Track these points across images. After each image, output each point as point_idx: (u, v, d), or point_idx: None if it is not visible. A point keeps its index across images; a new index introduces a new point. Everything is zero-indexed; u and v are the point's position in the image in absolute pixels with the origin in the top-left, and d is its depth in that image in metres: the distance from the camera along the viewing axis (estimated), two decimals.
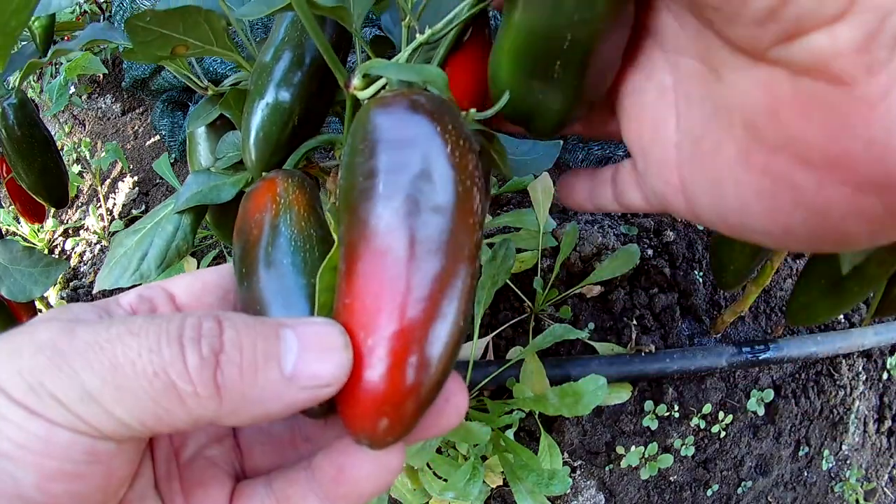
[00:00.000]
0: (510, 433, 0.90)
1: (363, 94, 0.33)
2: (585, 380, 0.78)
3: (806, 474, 1.10)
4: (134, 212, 1.36)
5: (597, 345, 0.95)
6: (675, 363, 0.92)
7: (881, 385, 1.14)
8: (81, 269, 1.32)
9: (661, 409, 0.95)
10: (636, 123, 0.30)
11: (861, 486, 1.14)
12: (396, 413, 0.22)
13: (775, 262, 0.75)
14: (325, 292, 0.27)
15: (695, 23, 0.24)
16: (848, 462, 1.13)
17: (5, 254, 0.70)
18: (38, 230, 1.41)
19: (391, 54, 0.48)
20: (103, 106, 1.60)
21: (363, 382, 0.22)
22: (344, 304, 0.24)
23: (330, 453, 0.27)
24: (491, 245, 0.90)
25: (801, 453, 1.07)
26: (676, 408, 0.96)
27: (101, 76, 1.62)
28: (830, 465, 1.11)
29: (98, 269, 1.27)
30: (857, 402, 1.09)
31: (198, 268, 1.10)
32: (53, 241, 1.42)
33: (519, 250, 0.96)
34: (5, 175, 0.96)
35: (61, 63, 1.50)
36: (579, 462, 0.96)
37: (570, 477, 0.95)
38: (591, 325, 0.97)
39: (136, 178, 1.43)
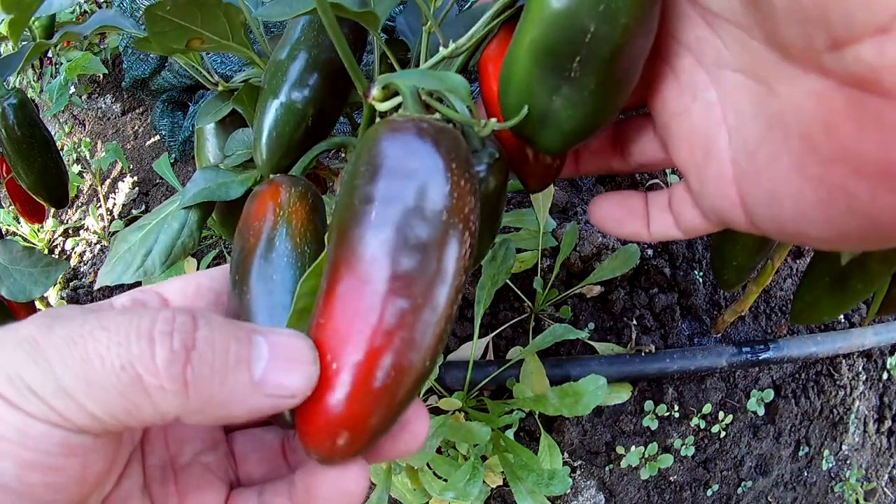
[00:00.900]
0: (510, 433, 0.90)
1: (382, 107, 0.32)
2: (585, 380, 0.78)
3: (806, 474, 1.10)
4: (134, 212, 1.36)
5: (597, 345, 0.95)
6: (675, 363, 0.92)
7: (881, 385, 1.14)
8: (81, 269, 1.32)
9: (661, 409, 0.95)
10: (686, 144, 0.30)
11: (861, 486, 1.14)
12: (348, 436, 0.23)
13: (776, 261, 0.75)
14: (305, 297, 0.27)
15: (737, 33, 0.25)
16: (848, 462, 1.13)
17: (5, 254, 0.70)
18: (38, 230, 1.41)
19: (405, 57, 0.48)
20: (103, 106, 1.60)
21: (322, 403, 0.23)
22: (318, 322, 0.24)
23: (303, 471, 0.27)
24: (491, 245, 0.90)
25: (801, 453, 1.07)
26: (676, 408, 0.96)
27: (101, 76, 1.61)
28: (830, 465, 1.11)
29: (98, 269, 1.27)
30: (857, 402, 1.09)
31: (198, 268, 1.10)
32: (53, 241, 1.42)
33: (519, 250, 0.96)
34: (5, 175, 0.96)
35: (61, 63, 1.50)
36: (579, 462, 0.96)
37: (570, 477, 0.95)
38: (591, 325, 0.97)
39: (136, 178, 1.43)
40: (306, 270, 0.29)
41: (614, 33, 0.26)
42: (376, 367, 0.23)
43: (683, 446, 0.98)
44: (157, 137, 1.47)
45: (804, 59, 0.21)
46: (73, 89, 1.58)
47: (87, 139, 1.53)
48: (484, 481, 0.83)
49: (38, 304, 1.08)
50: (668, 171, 1.23)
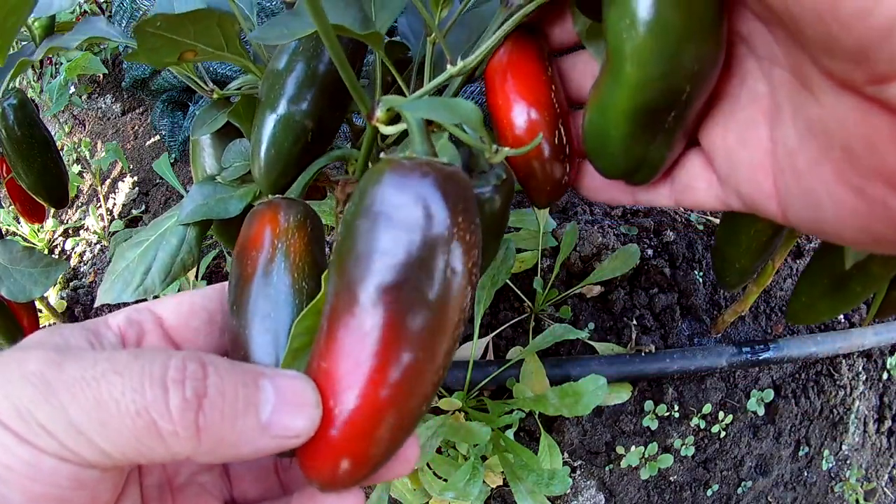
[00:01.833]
0: (510, 433, 0.90)
1: (387, 130, 0.32)
2: (585, 380, 0.78)
3: (806, 474, 1.10)
4: (134, 212, 1.36)
5: (597, 345, 0.95)
6: (675, 363, 0.92)
7: (881, 385, 1.13)
8: (81, 270, 1.32)
9: (661, 409, 0.95)
10: (722, 127, 0.31)
11: (861, 486, 1.14)
12: (350, 468, 0.25)
13: (776, 261, 0.75)
14: (301, 336, 0.28)
15: (788, 37, 0.25)
16: (848, 462, 1.13)
17: (5, 254, 0.70)
18: (38, 230, 1.41)
19: (405, 57, 0.47)
20: (103, 106, 1.60)
21: (323, 440, 0.25)
22: (320, 365, 0.25)
23: (300, 495, 0.29)
24: None
25: (801, 453, 1.07)
26: (676, 408, 0.96)
27: (101, 76, 1.61)
28: (830, 465, 1.11)
29: (98, 268, 1.27)
30: (857, 402, 1.09)
31: (198, 269, 1.10)
32: (53, 241, 1.42)
33: (519, 250, 0.96)
34: (5, 175, 0.96)
35: (61, 63, 1.50)
36: (579, 462, 0.96)
37: (570, 477, 0.95)
38: (591, 325, 0.97)
39: (136, 178, 1.43)
40: (303, 307, 0.29)
41: (701, 86, 0.28)
42: (377, 414, 0.24)
43: (683, 446, 0.98)
44: (157, 137, 1.47)
45: (845, 85, 0.22)
46: (73, 89, 1.58)
47: (87, 139, 1.53)
48: (484, 481, 0.83)
49: (38, 304, 1.08)
50: None
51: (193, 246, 0.45)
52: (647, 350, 0.95)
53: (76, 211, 1.46)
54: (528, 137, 0.36)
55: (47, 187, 0.81)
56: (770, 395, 1.01)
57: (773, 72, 0.27)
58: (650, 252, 1.03)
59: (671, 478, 1.00)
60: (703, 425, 0.98)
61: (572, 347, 0.96)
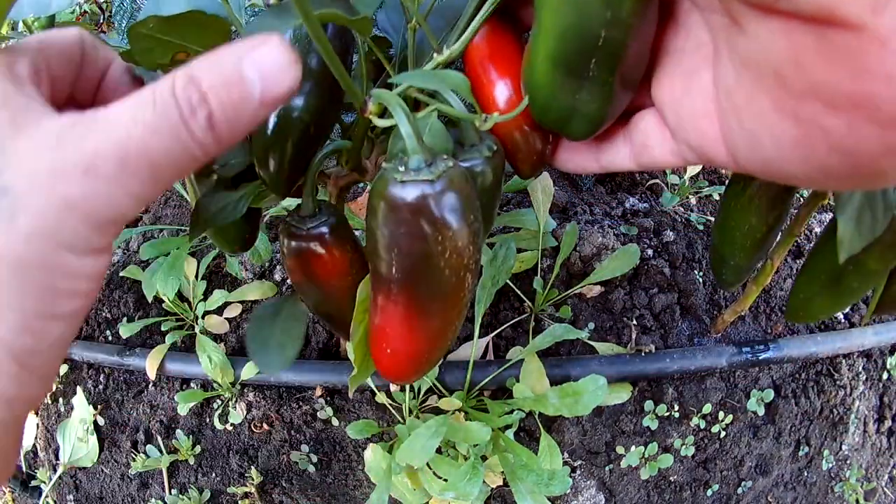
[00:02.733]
0: (510, 433, 0.90)
1: (380, 122, 0.33)
2: (585, 380, 0.78)
3: (806, 474, 1.10)
4: None
5: (597, 345, 0.95)
6: (675, 363, 0.92)
7: (881, 385, 1.13)
8: None
9: (661, 409, 0.95)
10: (668, 79, 0.31)
11: (861, 486, 1.14)
12: (400, 377, 0.39)
13: (776, 260, 0.75)
14: (364, 300, 0.39)
15: None
16: (848, 462, 1.13)
17: None
18: None
19: (388, 53, 0.47)
20: None
21: (384, 362, 0.38)
22: (374, 321, 0.37)
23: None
24: (491, 245, 0.90)
25: (801, 453, 1.07)
26: (676, 408, 0.96)
27: None
28: (830, 465, 1.11)
29: None
30: (857, 402, 1.09)
31: (198, 269, 1.10)
32: None
33: (519, 250, 0.96)
34: None
35: None
36: (579, 462, 0.96)
37: (570, 477, 0.95)
38: (591, 325, 0.97)
39: None
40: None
41: (622, 34, 0.29)
42: (410, 354, 0.36)
43: (683, 446, 0.98)
44: None
45: (763, 8, 0.22)
46: None
47: None
48: (484, 481, 0.83)
49: None
50: (667, 170, 1.23)
51: None
52: (646, 350, 0.95)
53: None
54: (511, 111, 0.37)
55: None
56: (770, 395, 1.01)
57: (711, 18, 0.27)
58: (650, 252, 1.03)
59: (671, 478, 1.00)
60: (703, 425, 0.98)
61: (572, 347, 0.96)
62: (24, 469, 1.22)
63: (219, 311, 1.08)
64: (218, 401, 1.05)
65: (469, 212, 0.30)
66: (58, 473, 1.14)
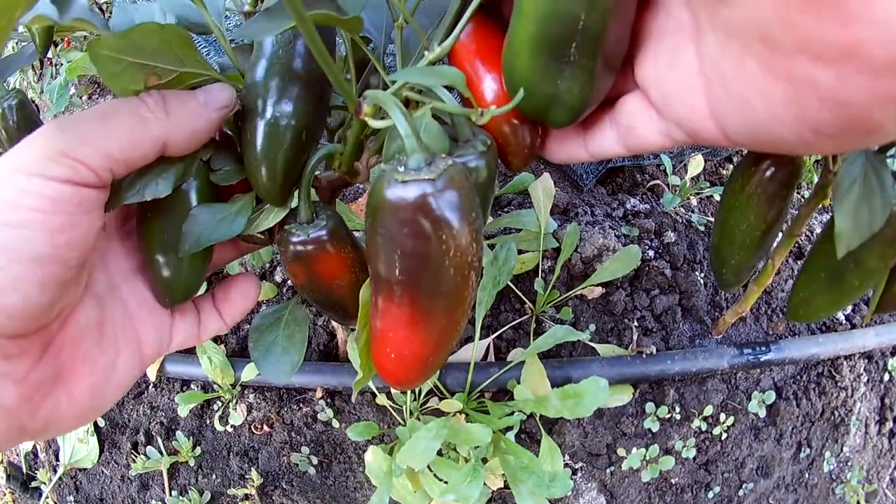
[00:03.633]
0: (511, 435, 0.90)
1: (376, 123, 0.33)
2: (586, 381, 0.77)
3: (807, 476, 1.10)
4: None
5: (598, 346, 0.95)
6: (676, 365, 0.92)
7: (882, 387, 1.13)
8: None
9: (663, 411, 0.95)
10: (652, 59, 0.31)
11: (862, 488, 1.14)
12: (402, 382, 0.38)
13: (776, 261, 0.75)
14: (366, 303, 0.39)
15: None
16: (849, 464, 1.13)
17: None
18: None
19: (371, 48, 0.47)
20: None
21: (385, 365, 0.37)
22: (375, 325, 0.36)
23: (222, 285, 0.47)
24: (492, 246, 0.90)
25: (802, 455, 1.07)
26: (677, 409, 0.96)
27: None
28: (832, 467, 1.11)
29: None
30: (858, 404, 1.09)
31: None
32: None
33: (520, 251, 0.96)
34: None
35: (62, 64, 1.50)
36: (580, 464, 0.96)
37: (571, 479, 0.95)
38: (592, 327, 0.97)
39: None
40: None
41: (602, 16, 0.29)
42: (407, 357, 0.36)
43: (685, 448, 0.98)
44: None
45: None
46: (73, 90, 1.58)
47: None
48: (485, 483, 0.83)
49: None
50: (668, 171, 1.23)
51: None
52: (648, 352, 0.95)
53: None
54: (501, 105, 0.37)
55: None
56: (771, 396, 1.01)
57: None
58: (651, 253, 1.03)
59: (672, 480, 1.00)
60: (704, 427, 0.98)
61: (573, 349, 0.96)
62: (24, 470, 1.22)
63: None
64: (218, 402, 1.05)
65: (471, 209, 0.30)
66: (58, 474, 1.14)
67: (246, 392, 1.03)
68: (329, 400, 0.99)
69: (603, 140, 0.36)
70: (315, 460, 1.00)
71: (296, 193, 0.43)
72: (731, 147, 0.29)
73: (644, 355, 0.94)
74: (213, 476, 1.05)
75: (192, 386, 1.07)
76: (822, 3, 0.20)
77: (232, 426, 1.04)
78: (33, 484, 1.21)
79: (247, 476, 1.03)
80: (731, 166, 1.33)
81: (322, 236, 0.42)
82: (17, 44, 0.91)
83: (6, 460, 1.25)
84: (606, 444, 0.95)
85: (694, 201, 1.23)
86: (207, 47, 1.10)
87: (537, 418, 0.92)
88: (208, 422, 1.06)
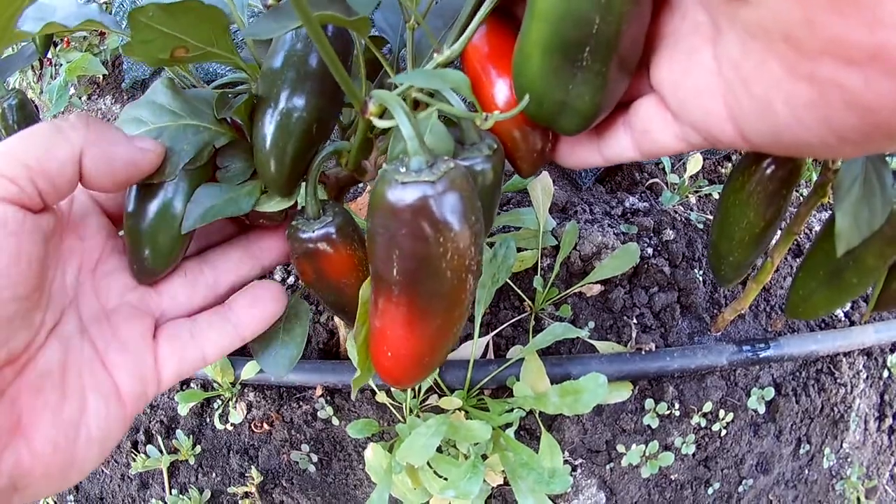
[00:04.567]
0: (510, 432, 0.90)
1: (381, 123, 0.33)
2: (586, 378, 0.78)
3: (807, 472, 1.10)
4: None
5: (597, 343, 0.95)
6: (676, 361, 0.92)
7: (882, 383, 1.13)
8: None
9: (662, 408, 0.95)
10: (667, 61, 0.30)
11: (862, 484, 1.14)
12: (400, 381, 0.38)
13: (776, 259, 0.75)
14: (365, 301, 0.39)
15: None
16: (849, 460, 1.13)
17: None
18: None
19: (384, 53, 0.48)
20: (103, 107, 1.61)
21: (384, 365, 0.37)
22: (374, 324, 0.36)
23: (244, 293, 0.43)
24: (491, 244, 0.90)
25: (801, 451, 1.07)
26: (677, 406, 0.96)
27: (101, 77, 1.62)
28: (831, 463, 1.11)
29: None
30: (857, 400, 1.09)
31: None
32: None
33: (519, 249, 0.96)
34: None
35: (61, 64, 1.50)
36: (580, 461, 0.96)
37: (571, 475, 0.95)
38: (591, 324, 0.97)
39: None
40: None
41: (617, 20, 0.28)
42: (405, 356, 0.36)
43: (684, 444, 0.98)
44: None
45: None
46: (72, 90, 1.58)
47: None
48: (484, 480, 0.83)
49: None
50: (667, 169, 1.23)
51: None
52: (647, 348, 0.95)
53: None
54: (510, 109, 0.36)
55: None
56: (771, 393, 1.01)
57: None
58: (650, 251, 1.03)
59: (672, 476, 1.00)
60: (703, 423, 0.98)
61: (572, 346, 0.96)
62: None
63: None
64: (218, 401, 1.05)
65: (471, 213, 0.30)
66: None
67: (246, 390, 1.03)
68: (329, 398, 0.99)
69: (617, 144, 0.35)
70: (315, 458, 1.00)
71: (303, 187, 0.43)
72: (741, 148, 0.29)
73: (643, 352, 0.94)
74: (214, 474, 1.06)
75: (192, 384, 1.07)
76: (849, 5, 0.20)
77: (232, 424, 1.04)
78: None
79: (247, 474, 1.03)
80: (730, 165, 1.33)
81: (329, 233, 0.42)
82: (16, 46, 0.91)
83: None
84: (606, 441, 0.95)
85: (693, 199, 1.23)
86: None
87: (537, 415, 0.92)
88: (208, 420, 1.06)
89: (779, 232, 0.68)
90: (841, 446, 1.11)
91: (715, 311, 1.05)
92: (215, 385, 1.02)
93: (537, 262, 0.98)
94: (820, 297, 0.64)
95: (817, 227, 1.21)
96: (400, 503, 0.90)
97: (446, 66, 0.38)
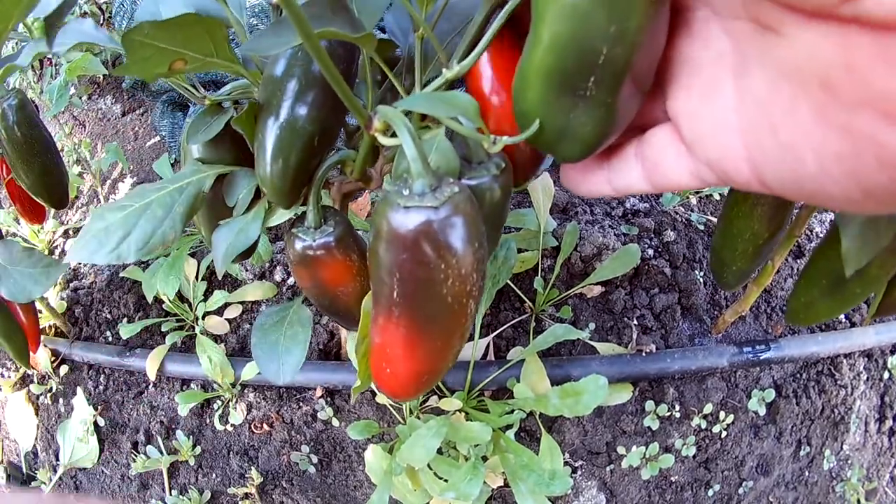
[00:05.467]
0: (511, 433, 0.90)
1: (386, 141, 0.33)
2: (586, 380, 0.78)
3: (807, 474, 1.10)
4: None
5: (597, 345, 0.95)
6: (676, 363, 0.92)
7: (882, 385, 1.13)
8: (81, 270, 1.32)
9: (662, 409, 0.95)
10: (685, 90, 0.28)
11: (862, 486, 1.14)
12: (399, 395, 0.39)
13: (776, 261, 0.75)
14: (367, 316, 0.39)
15: None
16: (849, 462, 1.13)
17: (5, 254, 0.69)
18: (38, 231, 1.41)
19: (394, 55, 0.47)
20: (103, 107, 1.60)
21: (384, 380, 0.37)
22: (374, 339, 0.36)
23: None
24: None
25: (802, 453, 1.07)
26: (677, 408, 0.96)
27: (102, 77, 1.61)
28: (832, 465, 1.11)
29: (98, 269, 1.27)
30: (858, 402, 1.09)
31: (198, 268, 1.10)
32: (54, 242, 1.42)
33: (519, 250, 0.96)
34: (5, 176, 0.96)
35: (61, 64, 1.50)
36: (580, 462, 0.96)
37: (571, 477, 0.95)
38: (592, 326, 0.97)
39: (136, 178, 1.43)
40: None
41: (627, 51, 0.26)
42: (405, 373, 0.36)
43: (684, 446, 0.98)
44: (158, 138, 1.47)
45: (814, 13, 0.20)
46: (73, 90, 1.58)
47: (88, 140, 1.53)
48: (485, 482, 0.83)
49: (38, 305, 1.08)
50: None
51: (178, 222, 0.43)
52: (647, 350, 0.95)
53: (76, 212, 1.46)
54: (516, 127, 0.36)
55: (47, 188, 0.81)
56: (771, 394, 1.01)
57: (734, 26, 0.25)
58: (651, 252, 1.03)
59: (672, 478, 1.00)
60: (704, 425, 0.98)
61: (573, 347, 0.96)
62: (24, 470, 1.22)
63: (219, 311, 1.08)
64: (218, 401, 1.05)
65: (474, 239, 0.30)
66: (58, 474, 1.14)
67: (246, 391, 1.03)
68: (329, 398, 0.99)
69: (628, 175, 0.33)
70: (315, 459, 1.00)
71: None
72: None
73: (644, 354, 0.94)
74: (214, 475, 1.06)
75: (192, 385, 1.07)
76: None
77: (232, 425, 1.04)
78: (33, 484, 1.21)
79: (247, 475, 1.03)
80: None
81: (329, 243, 0.42)
82: (17, 44, 0.91)
83: (6, 460, 1.25)
84: (606, 443, 0.95)
85: (693, 200, 1.23)
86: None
87: (537, 416, 0.92)
88: (208, 421, 1.06)
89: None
90: (841, 448, 1.11)
91: (715, 312, 1.05)
92: (215, 386, 1.02)
93: (538, 263, 0.97)
94: (822, 306, 0.64)
95: (818, 228, 1.21)
96: None
97: (455, 82, 0.37)
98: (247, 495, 1.03)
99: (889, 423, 1.15)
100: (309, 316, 0.50)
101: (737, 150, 0.26)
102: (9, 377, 1.22)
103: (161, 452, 1.07)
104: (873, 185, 0.21)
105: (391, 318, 0.33)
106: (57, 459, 1.15)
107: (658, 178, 0.31)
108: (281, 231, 1.11)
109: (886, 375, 1.13)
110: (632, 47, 0.26)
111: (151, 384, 1.10)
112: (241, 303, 1.08)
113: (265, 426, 1.02)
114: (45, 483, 1.18)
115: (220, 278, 1.13)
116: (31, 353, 0.93)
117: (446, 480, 0.81)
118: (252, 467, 1.02)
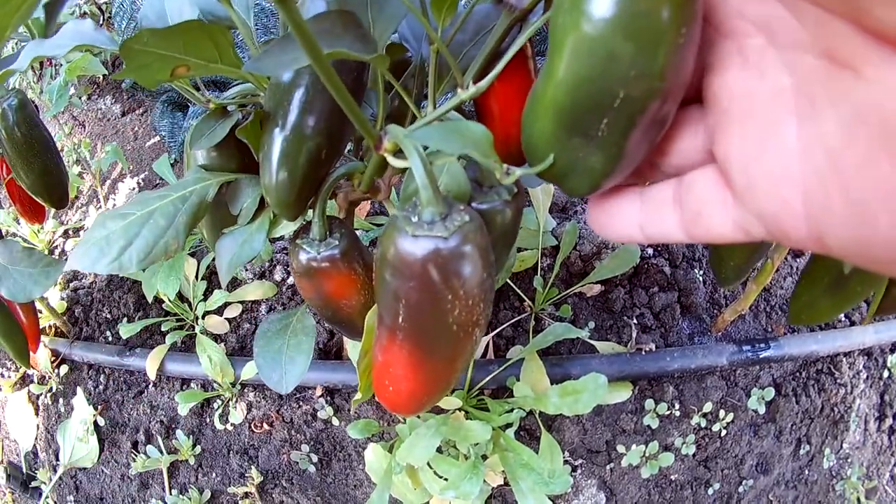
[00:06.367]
0: (510, 432, 0.90)
1: (396, 162, 0.32)
2: (586, 378, 0.78)
3: (807, 473, 1.10)
4: None
5: (597, 344, 0.95)
6: (676, 362, 0.92)
7: (882, 383, 1.13)
8: (81, 271, 1.32)
9: (662, 408, 0.95)
10: (738, 131, 0.24)
11: (862, 485, 1.14)
12: (402, 410, 0.38)
13: (776, 260, 0.75)
14: (370, 331, 0.40)
15: (817, 12, 0.20)
16: (849, 460, 1.13)
17: (5, 254, 0.70)
18: (38, 231, 1.41)
19: (404, 58, 0.46)
20: (103, 107, 1.60)
21: (387, 397, 0.37)
22: (377, 356, 0.36)
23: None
24: None
25: (802, 452, 1.07)
26: (677, 406, 0.96)
27: (101, 77, 1.61)
28: (831, 464, 1.11)
29: None
30: (857, 401, 1.09)
31: (198, 268, 1.10)
32: (53, 242, 1.42)
33: (519, 249, 0.96)
34: (5, 176, 0.96)
35: (61, 64, 1.50)
36: (580, 461, 0.96)
37: (571, 476, 0.95)
38: (592, 324, 0.97)
39: (136, 178, 1.43)
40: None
41: (645, 94, 0.24)
42: (407, 391, 0.36)
43: (684, 445, 0.98)
44: (157, 138, 1.47)
45: None
46: (72, 90, 1.58)
47: (87, 140, 1.53)
48: (484, 480, 0.83)
49: (38, 305, 1.08)
50: None
51: (181, 232, 0.42)
52: (647, 349, 0.95)
53: (76, 212, 1.46)
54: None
55: (47, 188, 0.81)
56: (771, 393, 1.01)
57: (799, 59, 0.21)
58: (650, 251, 1.03)
59: (672, 476, 1.00)
60: (703, 424, 0.98)
61: (572, 346, 0.96)
62: (24, 470, 1.22)
63: (219, 311, 1.08)
64: (218, 401, 1.05)
65: (482, 269, 0.29)
66: (58, 474, 1.14)
67: (246, 390, 1.03)
68: (329, 398, 0.99)
69: (663, 224, 0.30)
70: (315, 458, 1.00)
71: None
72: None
73: (643, 352, 0.94)
74: (214, 474, 1.06)
75: (192, 384, 1.07)
76: None
77: (232, 424, 1.04)
78: (33, 484, 1.21)
79: (247, 474, 1.03)
80: None
81: (334, 256, 0.41)
82: (16, 44, 0.91)
83: (6, 460, 1.25)
84: (606, 441, 0.95)
85: None
86: None
87: (537, 415, 0.92)
88: (208, 420, 1.06)
89: None
90: (841, 447, 1.11)
91: (715, 311, 1.05)
92: (215, 385, 1.02)
93: (537, 262, 0.98)
94: (824, 305, 0.64)
95: None
96: (400, 503, 0.90)
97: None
98: (247, 494, 1.03)
99: (889, 421, 1.16)
100: (313, 325, 0.49)
101: (795, 206, 0.22)
102: (9, 377, 1.23)
103: (161, 452, 1.07)
104: None
105: (395, 339, 0.33)
106: (57, 459, 1.15)
107: (698, 229, 0.28)
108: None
109: (886, 374, 1.13)
110: (651, 91, 0.24)
111: (151, 384, 1.10)
112: (241, 302, 1.08)
113: (265, 425, 1.02)
114: (45, 483, 1.18)
115: (223, 286, 1.13)
116: (31, 353, 0.93)
117: (446, 479, 0.81)
118: (252, 466, 1.02)
